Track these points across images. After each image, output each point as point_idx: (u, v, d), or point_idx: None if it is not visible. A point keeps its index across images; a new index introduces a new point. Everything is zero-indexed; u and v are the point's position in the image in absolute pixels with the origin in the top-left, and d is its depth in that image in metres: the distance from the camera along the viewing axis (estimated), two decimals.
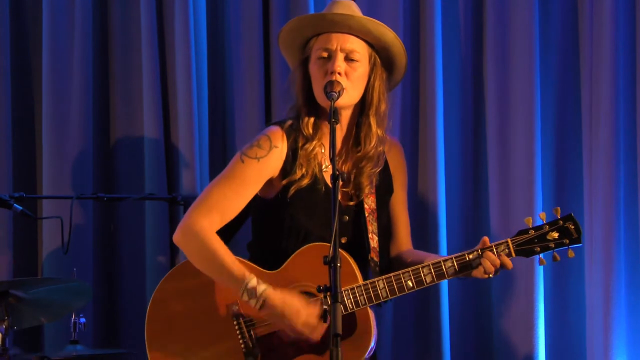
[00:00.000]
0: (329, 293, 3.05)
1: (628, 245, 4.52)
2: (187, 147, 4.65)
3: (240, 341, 3.50)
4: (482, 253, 3.48)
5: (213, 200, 3.54)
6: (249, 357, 3.50)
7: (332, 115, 3.37)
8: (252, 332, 3.51)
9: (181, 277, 3.60)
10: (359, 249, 3.63)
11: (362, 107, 3.69)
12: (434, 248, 4.57)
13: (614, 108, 4.53)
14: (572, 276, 4.62)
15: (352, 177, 3.65)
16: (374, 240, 3.66)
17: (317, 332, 3.42)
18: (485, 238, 3.51)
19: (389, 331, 4.62)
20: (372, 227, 3.64)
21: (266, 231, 3.69)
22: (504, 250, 3.47)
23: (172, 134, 4.73)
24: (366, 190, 3.65)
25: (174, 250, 4.64)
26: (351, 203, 3.65)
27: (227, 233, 3.84)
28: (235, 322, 3.51)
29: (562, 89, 4.72)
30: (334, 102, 3.46)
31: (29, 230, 4.73)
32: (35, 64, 4.82)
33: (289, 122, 3.67)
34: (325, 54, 3.57)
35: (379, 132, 3.66)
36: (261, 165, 3.58)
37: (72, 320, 4.15)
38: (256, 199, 3.67)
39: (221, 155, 4.79)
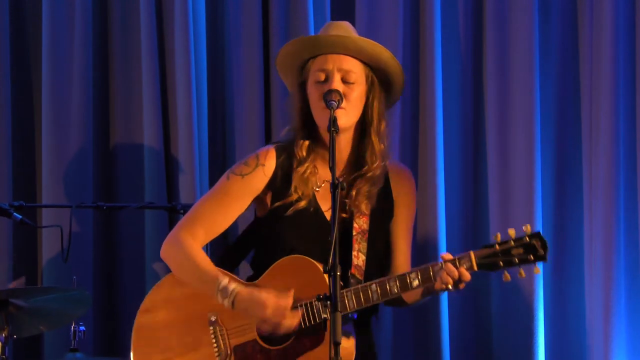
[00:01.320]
0: (328, 302, 3.07)
1: (628, 250, 4.53)
2: (187, 155, 4.66)
3: (215, 349, 3.52)
4: (443, 265, 3.45)
5: (197, 216, 3.62)
6: None
7: (332, 124, 3.38)
8: (227, 341, 3.54)
9: (168, 287, 3.65)
10: (343, 265, 3.61)
11: (362, 128, 3.68)
12: (433, 255, 4.57)
13: (614, 111, 4.54)
14: (571, 282, 4.62)
15: (354, 194, 3.65)
16: (358, 259, 3.64)
17: (288, 319, 3.43)
18: (444, 253, 3.49)
19: (389, 335, 4.62)
20: (358, 246, 3.64)
21: (260, 249, 3.74)
22: (466, 263, 3.44)
23: (172, 142, 4.73)
24: (362, 207, 3.64)
25: None
26: (344, 215, 3.64)
27: (234, 258, 3.85)
28: (212, 331, 3.53)
29: (562, 92, 4.73)
30: (334, 111, 3.46)
31: (28, 239, 4.73)
32: (34, 73, 4.82)
33: (284, 143, 3.68)
34: (322, 76, 3.57)
35: (382, 148, 3.67)
36: (245, 182, 3.62)
37: (72, 329, 4.15)
38: (254, 218, 3.73)
39: (221, 164, 4.79)
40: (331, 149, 3.30)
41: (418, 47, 4.73)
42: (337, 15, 4.81)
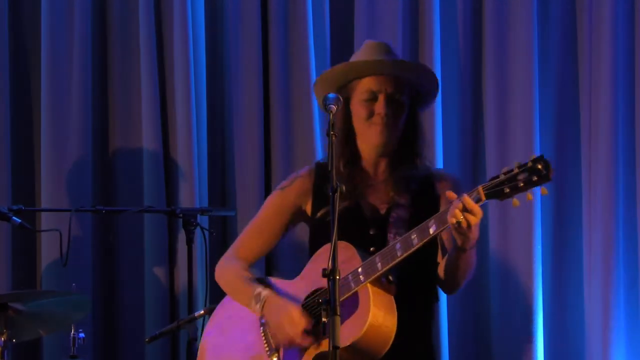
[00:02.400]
0: (328, 305, 3.07)
1: (627, 252, 4.54)
2: (186, 159, 4.68)
3: (265, 345, 3.62)
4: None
5: (241, 237, 3.80)
6: (272, 355, 3.61)
7: (331, 128, 3.39)
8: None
9: (226, 308, 3.80)
10: (378, 247, 3.65)
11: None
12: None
13: (614, 112, 4.54)
14: (571, 283, 4.63)
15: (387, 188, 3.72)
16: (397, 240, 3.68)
17: (299, 338, 3.49)
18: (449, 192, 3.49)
19: None
20: (396, 230, 3.66)
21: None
22: (474, 195, 3.45)
23: (171, 146, 4.75)
24: (400, 200, 3.66)
25: (172, 263, 4.67)
26: (383, 207, 3.67)
27: None
28: (262, 331, 3.64)
29: (561, 92, 4.73)
30: (333, 114, 3.47)
31: (27, 243, 4.75)
32: (34, 80, 4.84)
33: (324, 161, 3.75)
34: (369, 96, 3.63)
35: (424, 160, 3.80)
36: (285, 194, 3.76)
37: (71, 335, 4.16)
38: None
39: (220, 168, 4.80)
40: (330, 153, 3.31)
41: (418, 46, 4.73)
42: (336, 16, 4.81)
